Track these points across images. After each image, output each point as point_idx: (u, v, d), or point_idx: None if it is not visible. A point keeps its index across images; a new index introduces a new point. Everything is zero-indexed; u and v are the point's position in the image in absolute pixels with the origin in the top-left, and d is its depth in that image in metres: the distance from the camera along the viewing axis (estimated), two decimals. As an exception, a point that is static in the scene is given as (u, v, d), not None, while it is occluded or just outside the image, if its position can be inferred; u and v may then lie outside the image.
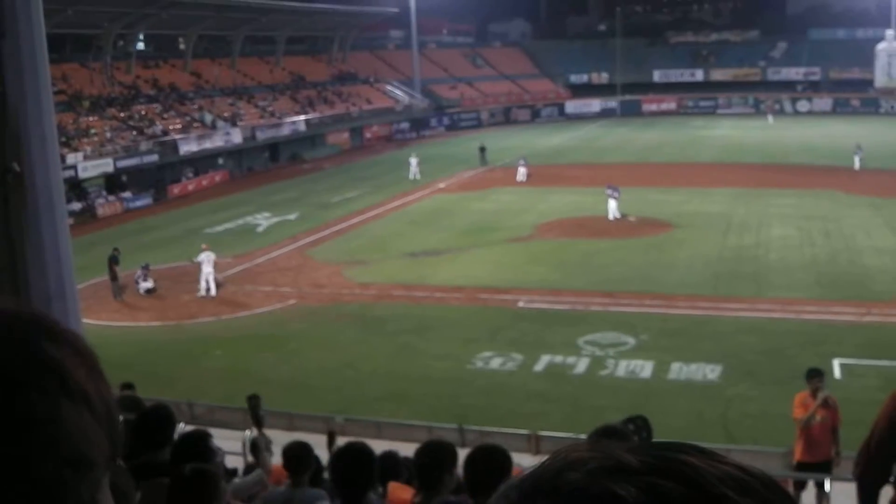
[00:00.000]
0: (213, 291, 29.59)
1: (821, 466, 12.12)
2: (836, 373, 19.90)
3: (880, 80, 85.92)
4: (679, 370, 20.98)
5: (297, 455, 6.84)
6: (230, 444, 10.26)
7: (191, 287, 30.02)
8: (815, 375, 12.25)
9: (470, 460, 5.05)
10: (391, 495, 6.51)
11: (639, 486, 0.85)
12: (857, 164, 50.15)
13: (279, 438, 10.56)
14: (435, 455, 5.23)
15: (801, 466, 12.30)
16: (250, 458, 10.92)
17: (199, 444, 5.48)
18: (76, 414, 0.97)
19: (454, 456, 5.25)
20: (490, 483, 4.91)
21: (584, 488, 0.86)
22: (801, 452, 12.34)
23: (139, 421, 6.02)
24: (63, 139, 45.87)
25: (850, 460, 11.87)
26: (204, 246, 30.67)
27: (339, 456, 5.36)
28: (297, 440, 7.84)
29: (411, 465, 5.64)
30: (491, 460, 4.98)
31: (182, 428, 9.15)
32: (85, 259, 29.62)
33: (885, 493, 4.25)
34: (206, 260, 29.69)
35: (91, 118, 55.79)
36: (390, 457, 8.72)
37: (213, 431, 6.18)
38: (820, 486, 12.05)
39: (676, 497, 0.84)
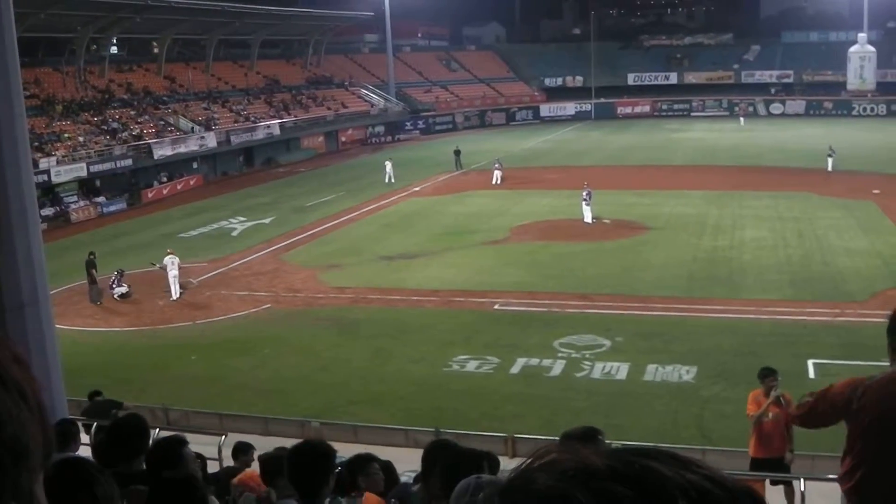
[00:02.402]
0: (174, 294, 29.64)
1: (774, 462, 12.35)
2: (811, 373, 20.06)
3: (853, 82, 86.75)
4: (654, 372, 21.03)
5: (276, 466, 6.80)
6: (208, 450, 10.20)
7: (165, 292, 29.86)
8: (769, 374, 12.43)
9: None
10: None
11: (594, 490, 0.86)
12: (829, 166, 50.54)
13: (254, 443, 10.52)
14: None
15: (755, 462, 12.55)
16: (233, 462, 10.81)
17: (174, 451, 5.44)
18: (13, 405, 0.99)
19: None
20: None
21: (544, 491, 0.88)
22: (754, 448, 12.67)
23: (113, 431, 5.96)
24: (36, 144, 45.52)
25: (805, 458, 12.00)
26: (169, 250, 30.60)
27: (296, 454, 5.30)
28: (278, 454, 7.76)
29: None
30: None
31: (157, 434, 9.11)
32: (58, 265, 29.42)
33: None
34: (170, 263, 29.72)
35: (64, 122, 55.39)
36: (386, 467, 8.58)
37: (189, 437, 6.12)
38: (776, 483, 12.23)
39: (627, 503, 0.86)
